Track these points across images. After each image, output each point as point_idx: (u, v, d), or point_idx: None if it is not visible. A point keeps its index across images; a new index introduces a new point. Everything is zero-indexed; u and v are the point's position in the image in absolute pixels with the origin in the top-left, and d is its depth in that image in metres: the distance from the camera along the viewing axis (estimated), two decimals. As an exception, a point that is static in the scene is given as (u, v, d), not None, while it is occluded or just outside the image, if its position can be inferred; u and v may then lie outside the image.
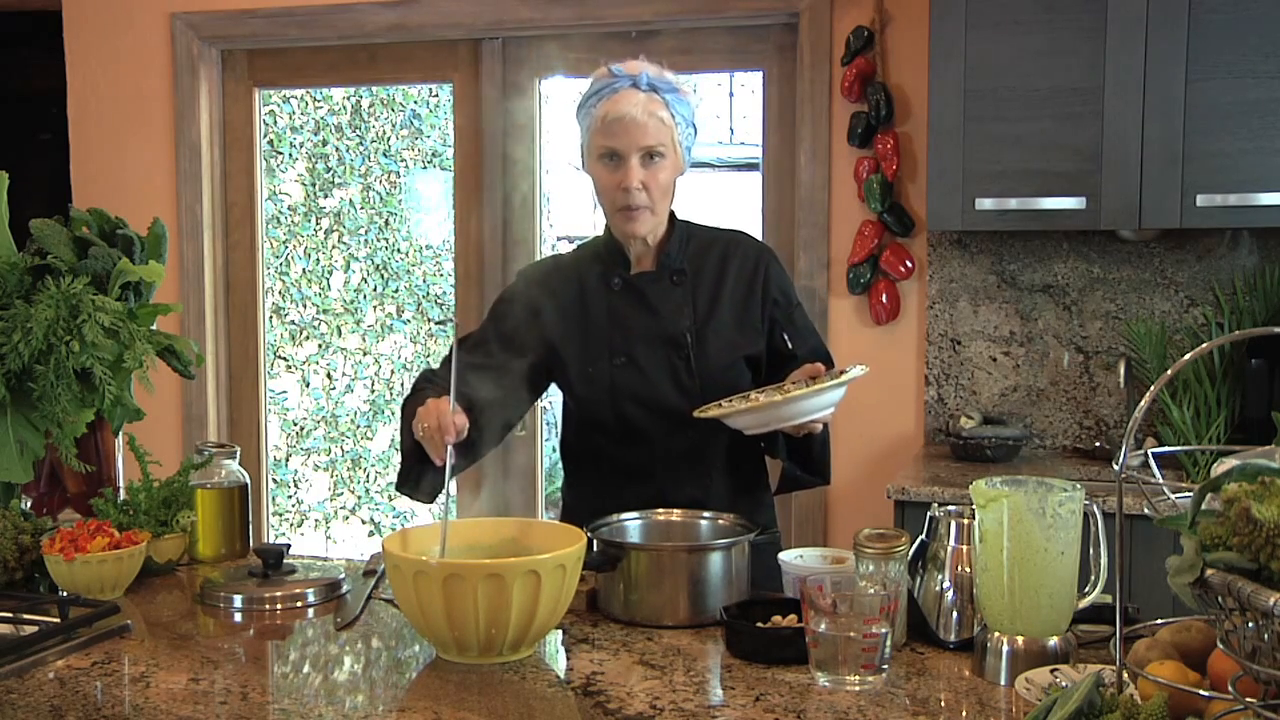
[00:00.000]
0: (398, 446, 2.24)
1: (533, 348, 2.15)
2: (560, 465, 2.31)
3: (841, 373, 1.95)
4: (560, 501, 2.31)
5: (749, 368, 2.14)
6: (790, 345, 2.15)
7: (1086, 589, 1.53)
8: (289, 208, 4.72)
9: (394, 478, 2.21)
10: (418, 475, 2.04)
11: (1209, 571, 1.08)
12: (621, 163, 2.05)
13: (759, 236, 3.60)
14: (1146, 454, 1.34)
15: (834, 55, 3.45)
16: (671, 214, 2.17)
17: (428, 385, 2.08)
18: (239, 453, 2.24)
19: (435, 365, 2.24)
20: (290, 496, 4.91)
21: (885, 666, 1.50)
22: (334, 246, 4.80)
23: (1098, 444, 3.30)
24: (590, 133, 2.08)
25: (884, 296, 3.42)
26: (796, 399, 1.89)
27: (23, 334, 2.03)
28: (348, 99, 4.75)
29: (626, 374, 2.10)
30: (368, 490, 5.00)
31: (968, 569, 1.61)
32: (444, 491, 1.80)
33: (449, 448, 1.82)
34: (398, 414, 2.25)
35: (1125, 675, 1.25)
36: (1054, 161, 2.99)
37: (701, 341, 2.10)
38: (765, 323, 2.15)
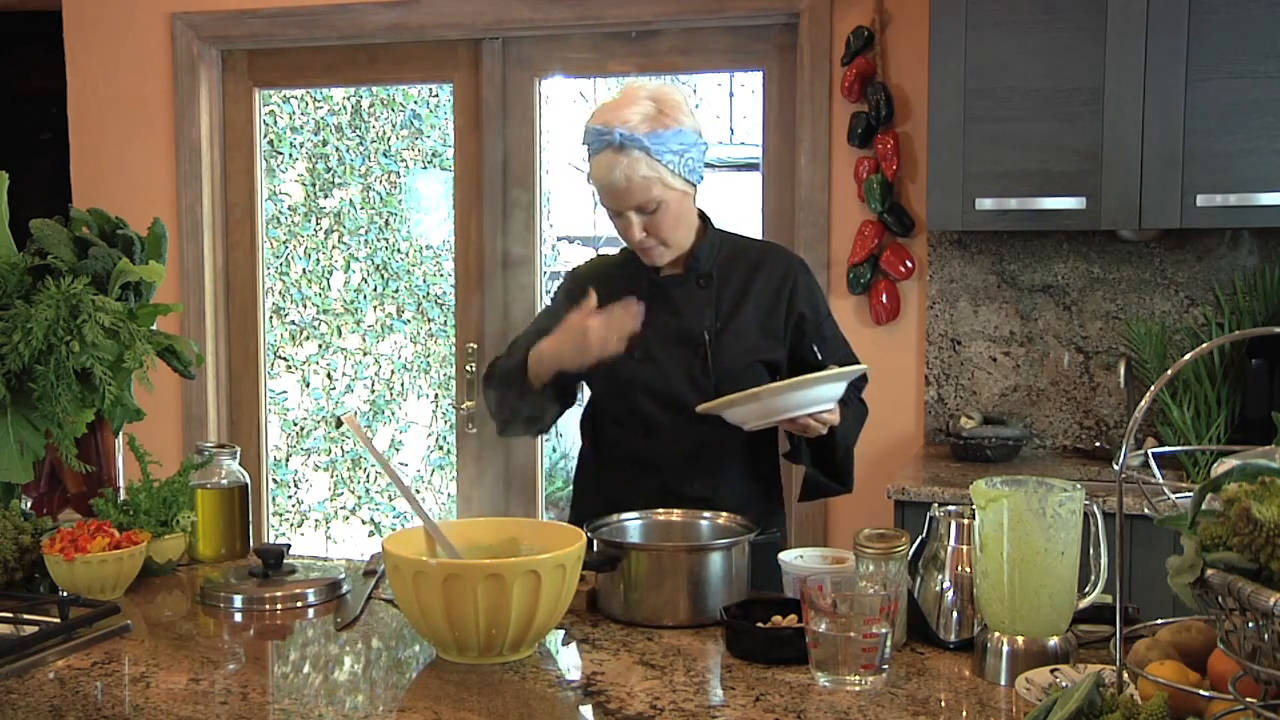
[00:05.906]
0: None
1: None
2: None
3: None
4: (570, 497, 2.34)
5: (768, 373, 2.17)
6: (820, 357, 2.17)
7: (1086, 589, 1.53)
8: (289, 208, 4.71)
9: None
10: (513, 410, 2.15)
11: (1209, 571, 1.08)
12: (622, 216, 2.11)
13: (759, 236, 3.62)
14: (1146, 454, 1.34)
15: (834, 55, 3.45)
16: (707, 221, 2.21)
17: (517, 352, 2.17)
18: (239, 453, 2.25)
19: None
20: (290, 496, 4.90)
21: (885, 666, 1.50)
22: (334, 246, 4.79)
23: (1098, 444, 3.30)
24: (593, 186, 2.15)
25: (884, 296, 3.42)
26: (789, 389, 1.91)
27: (23, 334, 2.02)
28: (348, 99, 4.75)
29: (643, 368, 2.15)
30: (368, 490, 5.00)
31: (968, 569, 1.61)
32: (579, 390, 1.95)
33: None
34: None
35: (1125, 675, 1.25)
36: (1054, 161, 2.99)
37: (720, 342, 2.14)
38: (789, 332, 2.18)
